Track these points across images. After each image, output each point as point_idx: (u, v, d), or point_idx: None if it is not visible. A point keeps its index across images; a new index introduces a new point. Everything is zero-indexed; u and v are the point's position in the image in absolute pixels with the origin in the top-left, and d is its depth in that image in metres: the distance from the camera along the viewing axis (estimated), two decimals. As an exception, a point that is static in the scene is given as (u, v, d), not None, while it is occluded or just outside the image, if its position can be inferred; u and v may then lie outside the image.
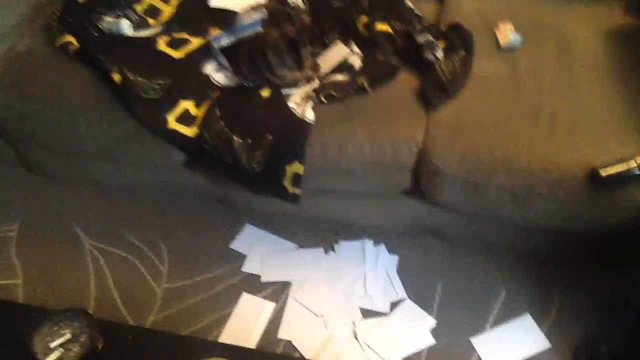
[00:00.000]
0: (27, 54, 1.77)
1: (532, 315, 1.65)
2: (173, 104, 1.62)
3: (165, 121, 1.60)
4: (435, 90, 1.59)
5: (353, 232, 1.86)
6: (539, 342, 1.60)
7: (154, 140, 1.62)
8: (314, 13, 1.89)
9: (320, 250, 1.83)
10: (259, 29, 1.67)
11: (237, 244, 1.86)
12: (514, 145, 1.47)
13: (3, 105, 1.70)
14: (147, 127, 1.61)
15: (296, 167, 1.56)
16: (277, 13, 1.76)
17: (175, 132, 1.59)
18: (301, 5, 1.93)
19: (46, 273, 1.81)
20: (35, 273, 1.81)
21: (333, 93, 1.60)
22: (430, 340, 1.61)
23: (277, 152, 1.56)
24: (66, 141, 1.71)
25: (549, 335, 1.61)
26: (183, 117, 1.61)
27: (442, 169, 1.49)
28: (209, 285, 1.76)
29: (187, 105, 1.63)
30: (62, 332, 1.15)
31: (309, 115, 1.58)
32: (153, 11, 1.88)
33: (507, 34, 1.70)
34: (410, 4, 1.90)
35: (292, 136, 1.56)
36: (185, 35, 1.78)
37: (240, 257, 1.82)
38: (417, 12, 1.87)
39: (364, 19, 1.80)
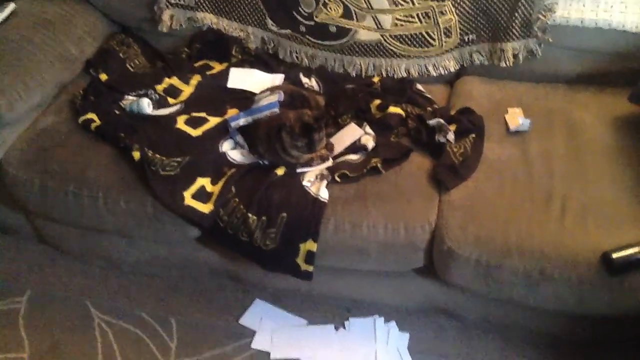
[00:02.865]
0: (50, 130, 1.82)
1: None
2: (190, 180, 1.66)
3: (181, 197, 1.63)
4: (447, 173, 1.63)
5: (364, 308, 1.85)
6: None
7: (171, 217, 1.64)
8: (328, 95, 1.97)
9: (331, 327, 1.82)
10: (276, 110, 1.73)
11: (247, 320, 1.85)
12: (527, 229, 1.49)
13: (25, 180, 1.73)
14: (164, 204, 1.64)
15: (310, 245, 1.58)
16: (294, 95, 1.83)
17: (191, 209, 1.62)
18: (316, 87, 2.01)
19: (54, 347, 1.79)
20: (42, 347, 1.79)
21: (347, 173, 1.64)
22: None
23: (292, 230, 1.58)
24: (84, 218, 1.74)
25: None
26: (199, 193, 1.65)
27: (455, 250, 1.50)
28: (217, 362, 1.75)
29: (203, 181, 1.66)
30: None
31: (323, 194, 1.61)
32: (173, 91, 1.96)
33: (517, 118, 1.76)
34: (420, 87, 1.98)
35: (306, 214, 1.58)
36: (203, 114, 1.84)
37: (250, 333, 1.81)
38: (427, 95, 1.94)
39: (376, 101, 1.87)
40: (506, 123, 1.78)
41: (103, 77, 1.98)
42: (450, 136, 1.70)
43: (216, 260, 1.83)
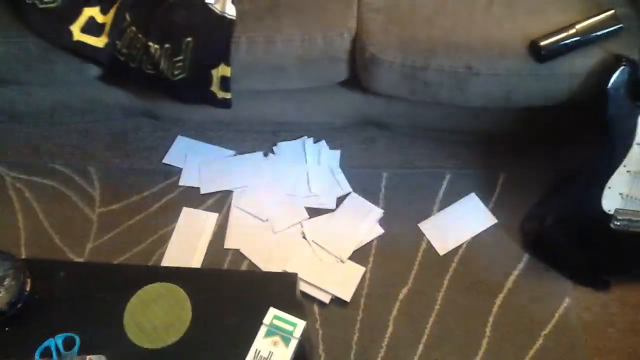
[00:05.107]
0: None
1: (477, 195, 1.66)
2: (76, 12, 1.44)
3: (69, 33, 1.43)
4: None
5: (292, 131, 1.78)
6: (485, 219, 1.62)
7: (61, 55, 1.45)
8: None
9: (259, 154, 1.75)
10: None
11: (171, 158, 1.75)
12: (452, 24, 1.39)
13: None
14: (50, 42, 1.44)
15: (223, 70, 1.44)
16: None
17: (82, 44, 1.43)
18: None
19: (-35, 214, 1.67)
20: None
21: (254, -17, 1.46)
22: (379, 230, 1.60)
23: (200, 55, 1.43)
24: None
25: (495, 211, 1.62)
26: (89, 26, 1.44)
27: (378, 55, 1.40)
28: (146, 204, 1.67)
29: (91, 12, 1.45)
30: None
31: (230, 10, 1.44)
32: None
33: None
34: None
35: (214, 36, 1.43)
36: None
37: (176, 171, 1.73)
38: None
39: None
40: None
41: None
42: None
43: (126, 98, 1.68)
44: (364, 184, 1.69)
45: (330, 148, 1.75)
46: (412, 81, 1.43)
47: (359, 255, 1.57)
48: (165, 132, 1.81)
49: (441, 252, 1.57)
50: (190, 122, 1.79)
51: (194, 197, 1.68)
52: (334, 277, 1.53)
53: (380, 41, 1.40)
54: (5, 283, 1.06)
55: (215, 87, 1.48)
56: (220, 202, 1.67)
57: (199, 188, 1.69)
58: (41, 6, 1.43)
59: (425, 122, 1.69)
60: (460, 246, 1.57)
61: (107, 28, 1.44)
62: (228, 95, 1.50)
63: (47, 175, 1.73)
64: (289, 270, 1.53)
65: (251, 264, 1.57)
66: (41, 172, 1.74)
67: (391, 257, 1.57)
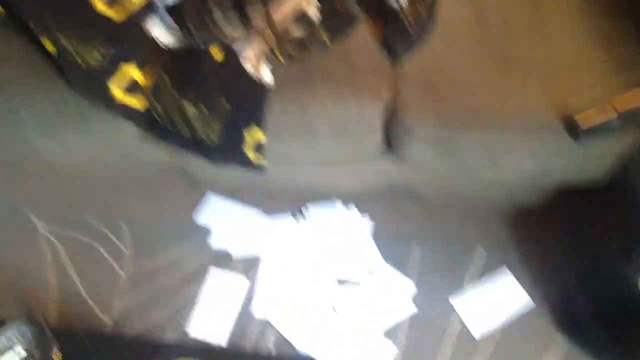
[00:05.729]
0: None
1: (511, 271, 1.60)
2: (116, 71, 1.47)
3: (110, 93, 1.46)
4: (400, 40, 1.49)
5: (323, 195, 1.76)
6: (519, 298, 1.55)
7: (100, 114, 1.49)
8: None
9: (290, 217, 1.74)
10: (206, -17, 1.52)
11: (202, 218, 1.75)
12: (488, 97, 1.38)
13: None
14: (89, 100, 1.47)
15: (256, 134, 1.45)
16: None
17: (122, 106, 1.46)
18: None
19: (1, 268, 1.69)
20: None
21: (291, 52, 1.48)
22: (412, 307, 1.55)
23: (234, 118, 1.45)
24: (5, 123, 1.57)
25: (529, 290, 1.56)
26: (129, 87, 1.48)
27: (412, 126, 1.39)
28: (175, 265, 1.66)
29: (132, 72, 1.48)
30: (11, 347, 1.04)
31: (266, 76, 1.46)
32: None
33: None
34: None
35: (248, 99, 1.45)
36: (126, -7, 1.62)
37: (207, 232, 1.72)
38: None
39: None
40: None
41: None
42: (402, 0, 1.53)
43: (161, 157, 1.69)
44: (394, 254, 1.65)
45: (362, 216, 1.73)
46: (447, 154, 1.41)
47: (389, 331, 1.52)
48: (198, 191, 1.81)
49: (475, 333, 1.51)
50: (223, 182, 1.80)
51: (224, 260, 1.66)
52: (364, 354, 1.48)
53: (414, 112, 1.40)
54: (34, 353, 1.05)
55: (249, 152, 1.48)
56: (249, 266, 1.65)
57: (228, 251, 1.68)
58: (84, 65, 1.47)
59: (458, 194, 1.65)
60: (494, 327, 1.51)
61: (147, 89, 1.48)
62: (262, 161, 1.50)
63: (80, 230, 1.75)
64: (318, 345, 1.49)
65: (280, 336, 1.53)
66: (75, 226, 1.75)
67: (423, 335, 1.51)
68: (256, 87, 1.44)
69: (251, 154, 1.49)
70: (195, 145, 1.49)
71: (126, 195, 1.82)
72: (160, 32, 1.54)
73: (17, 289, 1.65)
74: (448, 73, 1.43)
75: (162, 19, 1.56)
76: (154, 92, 1.46)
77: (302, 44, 1.50)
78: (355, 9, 1.57)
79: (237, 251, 1.68)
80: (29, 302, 1.61)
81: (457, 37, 1.48)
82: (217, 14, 1.43)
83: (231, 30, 1.46)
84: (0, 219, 1.78)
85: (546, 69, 1.40)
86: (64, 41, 1.48)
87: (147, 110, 1.46)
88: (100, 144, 1.65)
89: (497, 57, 1.43)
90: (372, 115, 1.43)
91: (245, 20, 1.43)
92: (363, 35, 1.52)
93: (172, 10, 1.56)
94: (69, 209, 1.80)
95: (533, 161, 1.38)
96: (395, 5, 1.52)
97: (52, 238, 1.74)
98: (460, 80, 1.41)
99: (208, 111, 1.44)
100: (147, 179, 1.83)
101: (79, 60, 1.46)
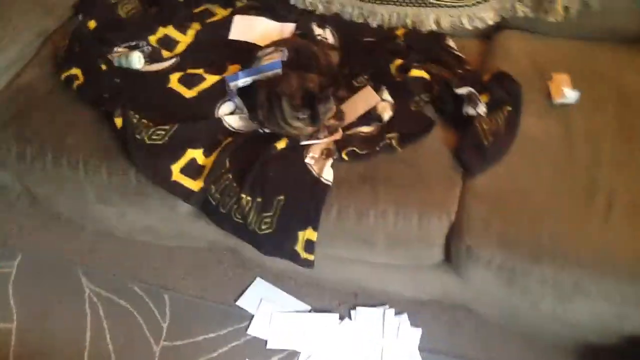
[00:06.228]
0: (29, 87, 1.65)
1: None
2: (179, 152, 1.46)
3: (169, 172, 1.44)
4: (473, 154, 1.39)
5: (373, 297, 1.67)
6: None
7: (157, 191, 1.47)
8: (344, 49, 1.71)
9: (335, 316, 1.65)
10: (279, 71, 1.50)
11: (245, 301, 1.69)
12: (563, 228, 1.26)
13: (1, 145, 1.58)
14: (149, 178, 1.46)
15: (309, 234, 1.39)
16: (301, 52, 1.59)
17: (178, 185, 1.44)
18: (330, 39, 1.76)
19: (42, 321, 1.69)
20: (30, 319, 1.70)
21: (356, 150, 1.42)
22: None
23: (289, 216, 1.39)
24: (66, 188, 1.59)
25: None
26: (188, 167, 1.45)
27: (475, 249, 1.29)
28: (210, 347, 1.61)
29: (194, 154, 1.46)
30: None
31: (327, 174, 1.40)
32: (168, 42, 1.74)
33: (562, 88, 1.48)
34: (452, 43, 1.70)
35: (306, 199, 1.38)
36: (200, 71, 1.62)
37: (247, 317, 1.66)
38: (458, 53, 1.67)
39: (397, 61, 1.61)
40: (549, 92, 1.50)
41: (91, 24, 1.76)
42: (481, 109, 1.44)
43: (213, 235, 1.65)
44: (441, 372, 1.53)
45: (412, 324, 1.62)
46: (510, 284, 1.29)
47: None
48: (245, 271, 1.76)
49: None
50: (272, 267, 1.74)
51: (260, 350, 1.60)
52: None
53: (480, 233, 1.29)
54: None
55: (299, 248, 1.42)
56: (285, 360, 1.58)
57: (266, 341, 1.61)
58: (148, 142, 1.47)
59: (520, 321, 1.52)
60: None
61: (206, 172, 1.45)
62: (311, 257, 1.43)
63: (123, 295, 1.73)
64: None
65: None
66: (119, 291, 1.74)
67: None
68: (315, 186, 1.38)
69: (301, 251, 1.42)
70: (246, 233, 1.44)
71: (174, 267, 1.80)
72: (230, 116, 1.53)
73: (52, 348, 1.64)
74: (522, 195, 1.32)
75: (232, 100, 1.55)
76: (211, 175, 1.43)
77: (369, 143, 1.44)
78: (429, 111, 1.51)
79: (275, 342, 1.61)
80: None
81: (537, 156, 1.38)
82: (287, 109, 1.39)
83: (300, 127, 1.42)
84: (51, 272, 1.81)
85: (633, 205, 1.26)
86: (133, 117, 1.50)
87: (201, 190, 1.43)
88: (155, 217, 1.63)
89: (580, 185, 1.31)
90: (435, 231, 1.34)
91: (314, 117, 1.39)
92: (435, 142, 1.44)
93: (243, 92, 1.55)
94: (117, 272, 1.80)
95: (607, 305, 1.24)
96: (472, 112, 1.44)
97: (95, 299, 1.73)
98: (535, 205, 1.30)
99: (263, 204, 1.39)
100: (198, 253, 1.80)
101: (145, 137, 1.46)
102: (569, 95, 1.46)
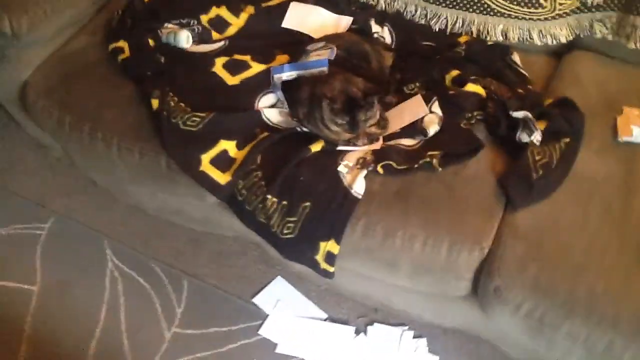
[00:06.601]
0: (79, 54, 1.64)
1: None
2: (212, 141, 1.41)
3: (198, 161, 1.40)
4: (519, 186, 1.28)
5: (393, 316, 1.60)
6: None
7: (186, 178, 1.42)
8: (399, 51, 1.62)
9: (351, 329, 1.58)
10: (325, 70, 1.42)
11: (262, 299, 1.65)
12: (604, 284, 1.14)
13: (44, 107, 1.57)
14: (178, 164, 1.42)
15: (331, 246, 1.32)
16: (352, 51, 1.50)
17: (205, 176, 1.39)
18: (387, 38, 1.66)
19: (62, 287, 1.70)
20: (51, 284, 1.71)
21: (394, 165, 1.33)
22: None
23: (313, 224, 1.32)
24: (99, 163, 1.58)
25: None
26: (219, 158, 1.41)
27: (504, 291, 1.19)
28: (220, 340, 1.58)
29: (226, 145, 1.41)
30: None
31: (358, 186, 1.32)
32: (219, 24, 1.68)
33: (631, 125, 1.34)
34: (517, 58, 1.57)
35: (332, 210, 1.31)
36: (247, 58, 1.56)
37: (261, 315, 1.62)
38: (522, 70, 1.54)
39: (454, 72, 1.51)
40: (616, 128, 1.37)
41: (146, -3, 1.73)
42: (537, 137, 1.32)
43: (239, 227, 1.60)
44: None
45: (430, 350, 1.53)
46: (537, 334, 1.19)
47: None
48: (268, 268, 1.72)
49: None
50: (295, 268, 1.68)
51: (269, 352, 1.56)
52: None
53: (512, 275, 1.19)
54: None
55: (319, 257, 1.35)
56: (291, 366, 1.53)
57: (276, 344, 1.56)
58: (182, 127, 1.43)
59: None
60: None
61: (236, 165, 1.40)
62: (331, 269, 1.36)
63: (144, 274, 1.72)
64: None
65: None
66: (141, 268, 1.73)
67: None
68: (344, 198, 1.31)
69: (321, 261, 1.36)
70: (268, 233, 1.39)
71: (198, 253, 1.77)
72: (270, 109, 1.47)
73: (68, 317, 1.65)
74: (565, 240, 1.21)
75: (275, 92, 1.49)
76: (241, 170, 1.38)
77: (408, 158, 1.35)
78: (480, 129, 1.40)
79: (285, 348, 1.56)
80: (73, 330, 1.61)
81: (589, 198, 1.25)
82: (326, 114, 1.32)
83: (337, 129, 1.34)
84: (79, 240, 1.81)
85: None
86: (171, 100, 1.46)
87: (228, 184, 1.38)
88: (184, 201, 1.60)
89: (633, 240, 1.18)
90: (464, 264, 1.24)
91: (352, 124, 1.31)
92: (480, 165, 1.34)
93: (286, 86, 1.49)
94: (142, 250, 1.78)
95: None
96: (526, 139, 1.33)
97: (117, 274, 1.73)
98: (577, 253, 1.18)
99: (288, 208, 1.33)
100: (223, 241, 1.77)
101: (180, 121, 1.42)
102: (638, 134, 1.32)
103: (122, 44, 1.59)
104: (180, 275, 1.72)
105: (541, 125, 1.35)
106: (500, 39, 1.59)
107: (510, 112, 1.37)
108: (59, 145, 1.82)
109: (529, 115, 1.35)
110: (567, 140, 1.33)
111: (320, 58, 1.45)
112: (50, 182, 1.97)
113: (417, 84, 1.51)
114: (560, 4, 1.51)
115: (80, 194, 1.92)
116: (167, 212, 1.77)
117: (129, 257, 1.76)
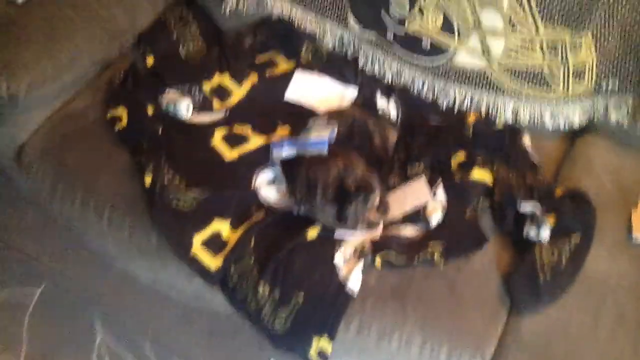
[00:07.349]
0: (78, 115, 1.58)
1: None
2: (205, 221, 1.36)
3: (189, 242, 1.33)
4: (526, 289, 1.20)
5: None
6: None
7: (176, 260, 1.37)
8: (404, 128, 1.56)
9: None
10: (324, 151, 1.36)
11: (256, 381, 1.58)
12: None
13: (38, 170, 1.53)
14: (169, 245, 1.36)
15: (324, 343, 1.24)
16: (355, 129, 1.45)
17: (195, 261, 1.33)
18: (393, 113, 1.60)
19: (48, 357, 1.64)
20: (38, 354, 1.64)
21: (392, 262, 1.26)
22: None
23: (306, 317, 1.25)
24: (88, 230, 1.53)
25: None
26: (211, 241, 1.35)
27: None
28: None
29: (220, 226, 1.36)
30: None
31: (354, 282, 1.25)
32: (221, 92, 1.63)
33: (647, 224, 1.26)
34: (527, 141, 1.51)
35: (326, 305, 1.24)
36: (247, 131, 1.51)
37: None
38: (533, 155, 1.47)
39: (460, 154, 1.44)
40: (630, 224, 1.29)
41: (150, 60, 1.68)
42: (545, 233, 1.25)
43: (230, 309, 1.56)
44: None
45: None
46: None
47: None
48: (260, 352, 1.62)
49: None
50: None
51: None
52: None
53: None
54: None
55: (313, 353, 1.27)
56: None
57: None
58: (175, 207, 1.38)
59: None
60: None
61: (228, 248, 1.34)
62: (325, 366, 1.29)
63: (132, 352, 1.65)
64: None
65: None
66: (129, 346, 1.67)
67: None
68: (339, 293, 1.24)
69: (314, 356, 1.28)
70: (258, 323, 1.32)
71: (189, 331, 1.70)
72: (268, 188, 1.42)
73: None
74: (573, 349, 1.12)
75: (272, 171, 1.44)
76: (233, 254, 1.32)
77: (408, 250, 1.28)
78: (485, 221, 1.33)
79: None
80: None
81: (600, 304, 1.17)
82: (319, 199, 1.26)
83: (329, 219, 1.28)
84: (69, 308, 1.75)
85: None
86: (165, 175, 1.41)
87: (218, 270, 1.32)
88: (173, 281, 1.54)
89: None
90: (463, 373, 1.16)
91: (340, 217, 1.25)
92: (484, 260, 1.26)
93: (286, 163, 1.43)
94: (132, 324, 1.72)
95: None
96: (533, 236, 1.25)
97: (103, 350, 1.65)
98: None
99: (280, 298, 1.27)
100: (216, 319, 1.68)
101: (173, 200, 1.37)
102: (653, 234, 1.25)
103: (121, 111, 1.54)
104: (170, 355, 1.65)
105: (550, 219, 1.27)
106: (511, 118, 1.52)
107: (518, 203, 1.30)
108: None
109: (539, 208, 1.28)
110: (578, 237, 1.26)
111: (320, 136, 1.40)
112: (46, 242, 1.91)
113: (422, 165, 1.45)
114: (574, 87, 1.44)
115: (74, 258, 1.86)
116: (160, 285, 1.70)
117: (118, 331, 1.69)
